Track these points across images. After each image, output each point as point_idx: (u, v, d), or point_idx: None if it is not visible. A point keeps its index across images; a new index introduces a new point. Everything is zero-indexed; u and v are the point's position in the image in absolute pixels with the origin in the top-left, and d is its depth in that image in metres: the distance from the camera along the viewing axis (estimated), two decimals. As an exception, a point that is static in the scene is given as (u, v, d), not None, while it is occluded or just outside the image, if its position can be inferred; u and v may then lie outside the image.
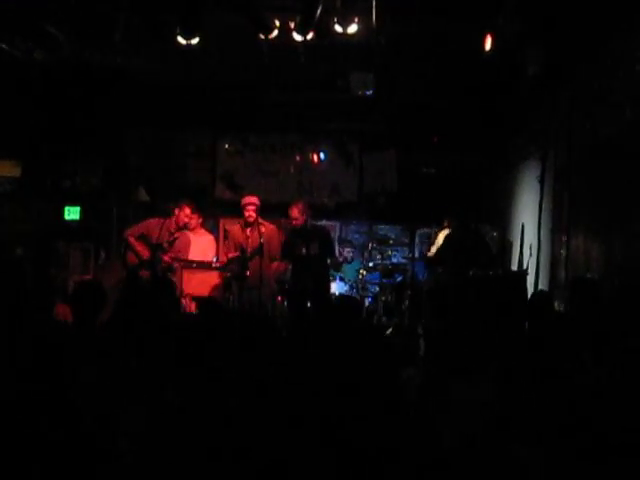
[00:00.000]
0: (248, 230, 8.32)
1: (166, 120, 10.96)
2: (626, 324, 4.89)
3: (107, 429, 3.20)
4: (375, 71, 9.22)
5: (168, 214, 8.42)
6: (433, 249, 9.40)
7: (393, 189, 11.35)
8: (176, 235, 8.36)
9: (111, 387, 3.50)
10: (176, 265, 8.25)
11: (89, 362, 3.74)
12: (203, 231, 9.47)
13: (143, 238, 8.29)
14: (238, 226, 8.60)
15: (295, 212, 8.39)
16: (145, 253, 8.18)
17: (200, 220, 9.25)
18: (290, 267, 8.61)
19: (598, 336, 4.19)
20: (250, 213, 8.33)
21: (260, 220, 8.40)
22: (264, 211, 8.63)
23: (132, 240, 8.37)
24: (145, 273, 7.98)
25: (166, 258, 8.16)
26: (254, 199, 8.48)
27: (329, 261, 8.71)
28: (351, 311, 5.45)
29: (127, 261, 8.30)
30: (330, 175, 11.47)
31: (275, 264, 8.60)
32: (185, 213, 8.38)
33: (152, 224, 8.42)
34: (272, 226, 8.61)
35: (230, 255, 8.46)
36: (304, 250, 8.35)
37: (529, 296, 8.03)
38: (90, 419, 3.23)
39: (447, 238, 8.88)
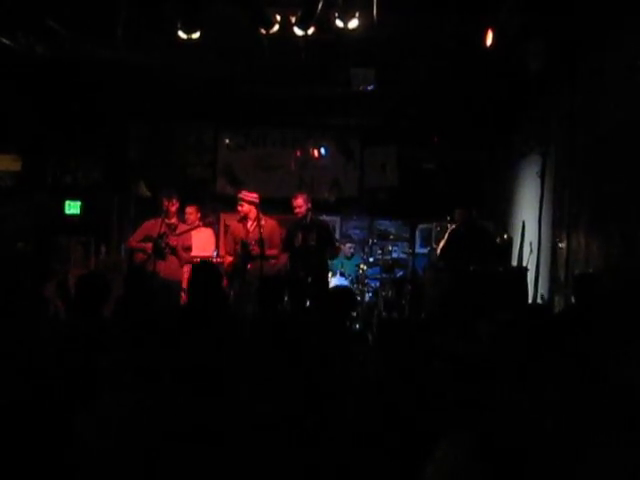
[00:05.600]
0: (248, 224, 8.35)
1: (167, 115, 10.98)
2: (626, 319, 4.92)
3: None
4: (376, 66, 9.21)
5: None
6: (442, 243, 9.39)
7: (394, 184, 11.36)
8: (175, 223, 8.37)
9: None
10: (180, 251, 8.23)
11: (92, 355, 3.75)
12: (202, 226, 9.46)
13: (146, 239, 8.29)
14: (236, 221, 8.63)
15: (299, 201, 8.47)
16: (148, 246, 8.16)
17: (199, 215, 9.24)
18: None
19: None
20: (241, 208, 8.42)
21: (261, 215, 8.42)
22: (265, 206, 8.64)
23: (135, 243, 8.39)
24: (152, 264, 7.96)
25: (171, 241, 8.14)
26: (247, 195, 8.51)
27: (328, 251, 8.75)
28: (346, 302, 5.52)
29: (135, 261, 8.29)
30: (331, 170, 11.48)
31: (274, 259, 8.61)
32: (172, 203, 8.35)
33: (150, 224, 8.43)
34: (272, 221, 8.60)
35: (228, 260, 8.47)
36: (300, 242, 8.41)
37: (530, 292, 8.10)
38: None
39: (452, 233, 8.90)
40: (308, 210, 8.51)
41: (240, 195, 8.57)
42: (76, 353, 3.90)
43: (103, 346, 3.99)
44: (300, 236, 8.44)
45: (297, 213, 8.52)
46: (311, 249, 8.41)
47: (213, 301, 5.04)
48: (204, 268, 5.61)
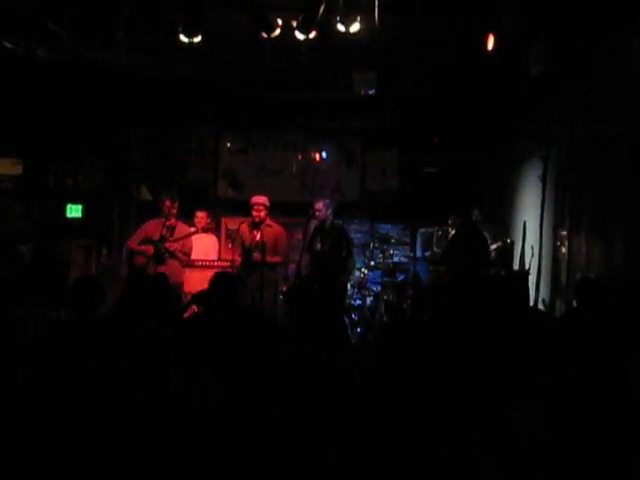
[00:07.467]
0: (255, 230, 8.26)
1: (168, 118, 10.97)
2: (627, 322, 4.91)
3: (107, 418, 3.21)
4: (377, 70, 9.21)
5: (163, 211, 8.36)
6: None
7: (395, 188, 11.37)
8: (173, 224, 8.32)
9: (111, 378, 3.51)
10: (179, 254, 8.22)
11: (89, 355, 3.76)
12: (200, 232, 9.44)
13: (146, 241, 8.24)
14: (245, 225, 8.53)
15: (319, 205, 8.47)
16: (150, 250, 8.13)
17: (209, 220, 9.24)
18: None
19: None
20: (258, 213, 8.28)
21: (268, 220, 8.38)
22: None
23: (135, 245, 8.32)
24: (152, 267, 7.94)
25: (169, 246, 8.12)
26: (262, 199, 8.42)
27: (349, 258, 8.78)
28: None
29: (135, 264, 8.23)
30: (332, 174, 11.48)
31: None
32: (174, 205, 8.27)
33: (150, 226, 8.36)
34: (278, 227, 8.52)
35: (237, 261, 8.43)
36: (319, 246, 8.42)
37: (531, 296, 8.09)
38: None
39: (452, 237, 8.89)
40: (328, 215, 8.51)
41: (254, 200, 8.44)
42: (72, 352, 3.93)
43: (96, 346, 4.01)
44: (318, 241, 8.46)
45: (316, 217, 8.51)
46: (326, 254, 8.43)
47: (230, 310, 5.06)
48: (223, 279, 5.59)
